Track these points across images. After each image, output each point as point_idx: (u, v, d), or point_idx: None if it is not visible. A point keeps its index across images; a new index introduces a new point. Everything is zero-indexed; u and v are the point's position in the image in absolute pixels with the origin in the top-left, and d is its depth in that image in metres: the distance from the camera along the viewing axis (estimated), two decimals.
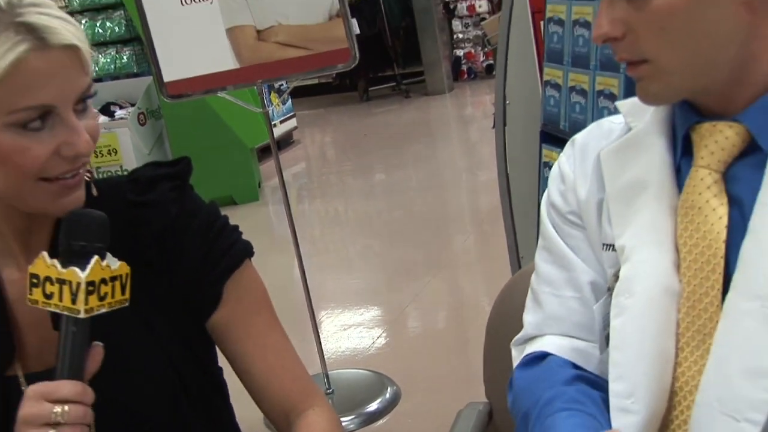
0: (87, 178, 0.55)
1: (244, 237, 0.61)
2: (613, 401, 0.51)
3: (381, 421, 1.60)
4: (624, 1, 0.47)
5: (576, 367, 0.56)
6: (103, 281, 0.49)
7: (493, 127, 1.49)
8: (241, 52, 1.54)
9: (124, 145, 3.26)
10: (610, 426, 0.50)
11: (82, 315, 0.48)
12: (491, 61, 5.19)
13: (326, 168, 4.13)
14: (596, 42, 0.49)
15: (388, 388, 1.69)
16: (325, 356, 1.71)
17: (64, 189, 0.52)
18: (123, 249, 0.52)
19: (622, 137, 0.55)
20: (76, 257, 0.49)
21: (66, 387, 0.47)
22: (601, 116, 0.71)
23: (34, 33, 0.48)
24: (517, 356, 0.60)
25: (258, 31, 1.53)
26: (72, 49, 0.49)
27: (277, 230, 3.04)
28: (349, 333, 2.05)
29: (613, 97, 1.10)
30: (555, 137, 1.28)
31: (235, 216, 0.62)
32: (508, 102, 1.43)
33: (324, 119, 5.20)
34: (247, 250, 0.61)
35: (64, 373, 0.48)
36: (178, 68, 1.56)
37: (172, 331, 0.58)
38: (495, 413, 0.74)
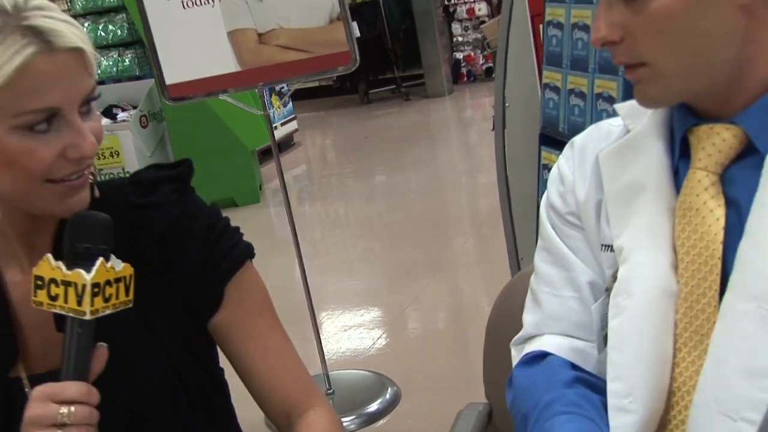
0: (90, 180, 0.55)
1: (245, 239, 0.62)
2: (611, 401, 0.51)
3: (381, 422, 1.60)
4: (622, 5, 0.48)
5: (575, 367, 0.56)
6: (108, 283, 0.49)
7: (493, 129, 1.51)
8: (243, 55, 1.55)
9: (126, 148, 3.27)
10: (608, 428, 0.50)
11: (87, 316, 0.49)
12: (491, 64, 5.19)
13: (327, 170, 4.14)
14: (595, 45, 0.50)
15: (389, 389, 1.70)
16: (326, 357, 1.72)
17: (69, 190, 0.52)
18: (125, 250, 0.52)
19: (620, 139, 0.55)
20: (80, 259, 0.49)
21: (72, 388, 0.48)
22: (599, 119, 0.71)
23: (40, 36, 0.48)
24: (516, 355, 0.60)
25: (259, 35, 1.54)
26: (77, 51, 0.50)
27: (278, 232, 3.04)
28: (349, 334, 2.06)
29: (611, 100, 1.11)
30: (554, 140, 1.29)
31: (236, 218, 0.62)
32: (507, 105, 1.43)
33: (324, 122, 5.21)
34: (248, 252, 0.61)
35: (69, 374, 0.49)
36: (180, 71, 1.57)
37: (172, 331, 0.58)
38: (495, 414, 0.74)
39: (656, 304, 0.50)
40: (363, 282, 2.47)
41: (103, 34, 3.62)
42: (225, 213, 0.61)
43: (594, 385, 0.55)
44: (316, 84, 5.36)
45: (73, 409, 0.47)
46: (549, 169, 0.75)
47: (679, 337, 0.49)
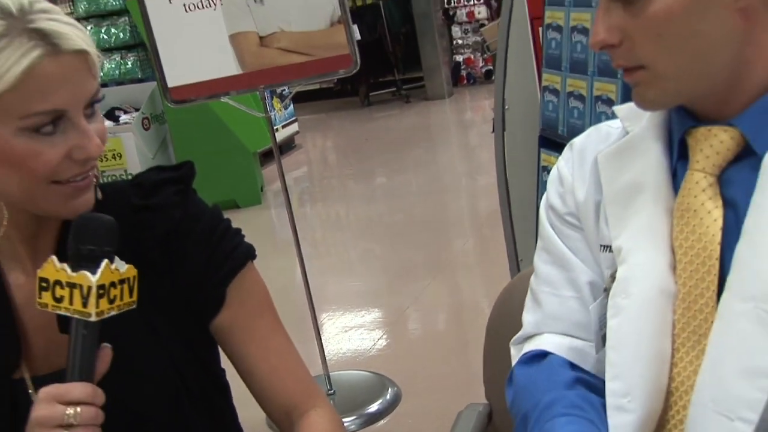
0: (93, 182, 0.55)
1: (246, 240, 0.62)
2: (609, 400, 0.51)
3: (382, 422, 1.61)
4: (620, 8, 0.48)
5: (574, 367, 0.56)
6: (113, 284, 0.50)
7: (493, 131, 1.52)
8: (244, 57, 1.56)
9: (129, 150, 3.28)
10: (608, 430, 0.50)
11: (93, 318, 0.49)
12: (490, 67, 5.20)
13: (328, 172, 4.15)
14: (593, 48, 0.50)
15: (389, 389, 1.70)
16: (327, 358, 1.72)
17: (75, 191, 0.53)
18: (127, 252, 0.53)
19: (619, 141, 0.56)
20: (85, 261, 0.50)
21: (77, 389, 0.48)
22: (598, 121, 0.72)
23: (46, 39, 0.49)
24: (516, 355, 0.61)
25: (261, 38, 1.55)
26: (82, 54, 0.50)
27: (279, 233, 3.05)
28: (350, 335, 2.06)
29: (610, 102, 1.12)
30: (553, 142, 1.29)
31: (237, 219, 0.63)
32: (507, 107, 1.44)
33: (325, 124, 5.22)
34: (249, 253, 0.61)
35: (74, 375, 0.49)
36: (182, 74, 1.58)
37: (174, 332, 0.59)
38: (494, 414, 0.74)
39: (654, 304, 0.50)
40: (363, 283, 2.47)
41: (105, 37, 3.64)
42: (226, 214, 0.62)
43: (594, 386, 0.55)
44: (317, 86, 5.37)
45: (79, 409, 0.47)
46: (548, 171, 0.75)
47: (677, 337, 0.50)
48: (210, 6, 1.55)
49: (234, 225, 0.62)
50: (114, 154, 3.26)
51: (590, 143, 0.59)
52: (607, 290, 0.54)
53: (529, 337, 0.60)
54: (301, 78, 1.62)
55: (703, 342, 0.48)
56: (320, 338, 1.71)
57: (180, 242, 0.58)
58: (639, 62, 0.48)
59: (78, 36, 0.50)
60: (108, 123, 3.31)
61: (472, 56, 5.46)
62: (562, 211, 0.59)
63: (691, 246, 0.50)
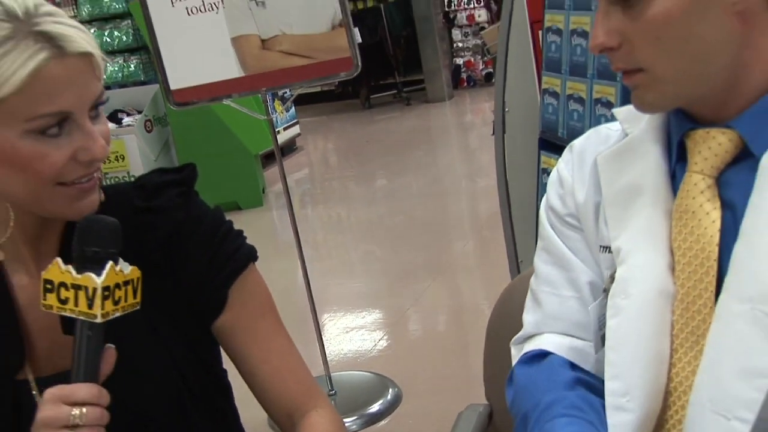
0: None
1: (248, 242, 0.62)
2: (608, 399, 0.51)
3: (382, 422, 1.61)
4: (620, 11, 0.48)
5: (574, 366, 0.57)
6: (117, 286, 0.50)
7: (493, 134, 1.51)
8: (246, 60, 1.57)
9: (132, 152, 3.30)
10: (607, 431, 0.51)
11: (98, 319, 0.49)
12: (490, 70, 5.22)
13: (329, 174, 4.16)
14: (593, 52, 0.51)
15: (390, 390, 1.71)
16: (328, 358, 1.73)
17: (80, 193, 0.53)
18: (130, 254, 0.53)
19: (618, 143, 0.56)
20: (90, 263, 0.50)
21: (83, 390, 0.49)
22: (598, 123, 0.72)
23: (52, 41, 0.49)
24: (516, 354, 0.61)
25: (262, 41, 1.56)
26: (87, 56, 0.50)
27: (280, 235, 3.06)
28: (351, 336, 2.07)
29: (610, 105, 1.12)
30: (553, 144, 1.30)
31: (239, 221, 0.63)
32: (507, 110, 1.44)
33: (326, 126, 5.23)
34: (251, 255, 0.61)
35: (80, 376, 0.50)
36: (185, 76, 1.59)
37: (176, 333, 0.59)
38: (495, 415, 0.75)
39: (653, 304, 0.50)
40: (364, 284, 2.48)
41: (108, 40, 3.66)
42: (228, 216, 0.62)
43: (594, 386, 0.55)
44: (318, 89, 5.39)
45: (84, 410, 0.48)
46: (548, 174, 0.76)
47: (676, 337, 0.50)
48: (212, 9, 1.56)
49: (236, 227, 0.63)
50: (117, 156, 3.28)
51: (590, 145, 0.59)
52: (606, 291, 0.54)
53: (529, 337, 0.60)
54: (302, 80, 1.62)
55: (702, 342, 0.48)
56: (321, 339, 1.72)
57: (182, 244, 0.58)
58: (638, 65, 0.49)
59: (83, 38, 0.51)
60: (111, 125, 3.31)
61: (472, 59, 5.48)
62: (562, 212, 0.59)
63: (690, 247, 0.50)
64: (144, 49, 3.64)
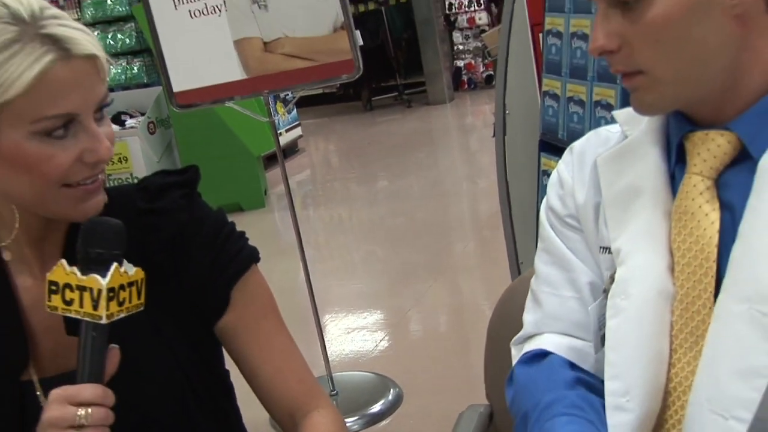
0: None
1: (250, 243, 0.62)
2: (608, 399, 0.52)
3: (384, 422, 1.62)
4: (619, 14, 0.48)
5: (574, 366, 0.57)
6: (122, 287, 0.50)
7: (493, 136, 1.51)
8: (249, 63, 1.58)
9: (135, 153, 3.31)
10: (607, 430, 0.51)
11: (103, 321, 0.50)
12: (491, 72, 5.24)
13: (330, 175, 4.17)
14: (592, 54, 0.51)
15: (391, 390, 1.71)
16: (330, 359, 1.74)
17: (85, 194, 0.53)
18: (133, 255, 0.53)
19: (618, 145, 0.56)
20: (94, 264, 0.50)
21: (88, 390, 0.49)
22: (598, 126, 0.72)
23: (57, 44, 0.49)
24: (516, 354, 0.61)
25: (265, 43, 1.57)
26: (93, 58, 0.51)
27: (282, 236, 3.07)
28: (352, 336, 2.08)
29: (609, 107, 1.12)
30: (553, 146, 1.31)
31: (241, 222, 0.63)
32: (507, 112, 1.45)
33: (328, 128, 5.25)
34: (253, 256, 0.62)
35: (84, 377, 0.50)
36: (187, 79, 1.60)
37: (179, 334, 0.59)
38: (495, 415, 0.75)
39: (653, 305, 0.51)
40: (366, 285, 2.49)
41: (112, 42, 3.68)
42: (231, 218, 0.62)
43: (593, 386, 0.56)
44: (320, 91, 5.42)
45: (90, 410, 0.48)
46: (548, 175, 0.76)
47: (676, 338, 0.50)
48: (215, 12, 1.57)
49: (238, 228, 0.63)
50: (120, 158, 3.29)
51: (590, 147, 0.59)
52: (606, 291, 0.54)
53: (529, 337, 0.61)
54: (304, 83, 1.63)
55: (701, 343, 0.49)
56: (323, 339, 1.72)
57: (185, 245, 0.59)
58: (637, 67, 0.49)
59: (88, 41, 0.51)
60: (114, 127, 3.28)
61: (472, 61, 5.50)
62: (563, 213, 0.59)
63: (689, 248, 0.50)
64: (147, 51, 3.66)
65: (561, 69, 1.27)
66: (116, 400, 0.50)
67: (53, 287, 0.51)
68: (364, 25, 5.00)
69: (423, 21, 5.14)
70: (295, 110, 4.38)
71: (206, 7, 1.57)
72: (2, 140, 0.49)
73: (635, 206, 0.53)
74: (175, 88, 1.62)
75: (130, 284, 0.51)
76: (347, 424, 1.51)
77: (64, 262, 0.51)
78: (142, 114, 3.45)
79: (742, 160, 0.49)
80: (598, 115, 1.17)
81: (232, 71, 1.58)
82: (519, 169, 1.47)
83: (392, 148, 4.30)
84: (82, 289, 0.50)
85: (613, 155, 0.56)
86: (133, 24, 3.69)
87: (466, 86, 5.53)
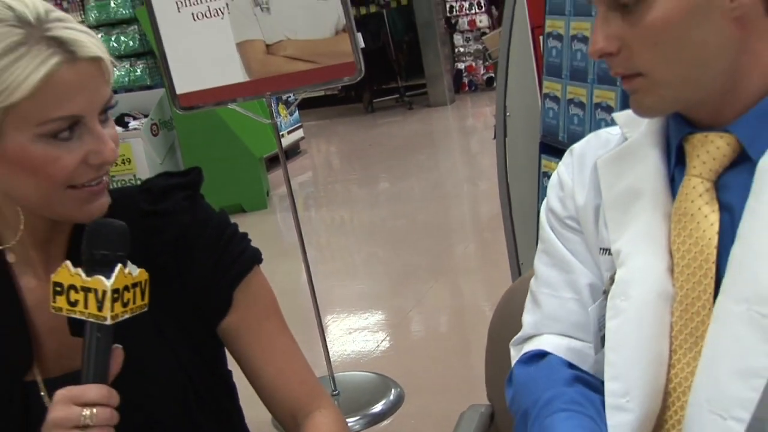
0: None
1: (252, 244, 0.62)
2: (608, 400, 0.52)
3: (385, 422, 1.62)
4: (619, 17, 0.48)
5: (572, 366, 0.57)
6: (126, 288, 0.51)
7: (494, 137, 1.52)
8: (251, 65, 1.59)
9: (138, 155, 3.33)
10: (607, 429, 0.51)
11: (108, 322, 0.50)
12: (491, 74, 5.25)
13: (332, 177, 4.19)
14: (592, 57, 0.51)
15: (392, 390, 1.72)
16: (331, 359, 1.74)
17: (90, 196, 0.53)
18: (136, 257, 0.53)
19: (618, 147, 0.57)
20: (99, 266, 0.51)
21: (93, 391, 0.49)
22: (598, 128, 0.71)
23: (63, 46, 0.49)
24: (515, 355, 0.62)
25: (267, 46, 1.58)
26: (97, 60, 0.51)
27: (284, 237, 3.08)
28: (354, 337, 2.09)
29: (610, 110, 1.13)
30: (554, 148, 1.31)
31: (244, 223, 0.64)
32: (508, 114, 1.45)
33: (330, 130, 5.27)
34: (256, 257, 0.62)
35: (89, 377, 0.50)
36: (190, 81, 1.62)
37: (182, 335, 0.59)
38: (496, 415, 0.75)
39: (653, 306, 0.51)
40: (367, 286, 2.49)
41: (115, 45, 3.71)
42: (233, 219, 0.63)
43: (592, 384, 0.56)
44: (322, 93, 5.44)
45: (95, 410, 0.48)
46: (549, 177, 0.76)
47: (675, 339, 0.51)
48: (218, 15, 1.58)
49: (240, 229, 0.63)
50: (123, 160, 3.31)
51: (590, 149, 0.60)
52: (606, 292, 0.55)
53: (528, 338, 0.61)
54: (306, 85, 1.64)
55: (700, 344, 0.49)
56: (325, 340, 1.73)
57: (188, 247, 0.59)
58: (637, 70, 0.49)
59: (93, 43, 0.51)
60: (117, 129, 3.29)
61: (473, 64, 5.52)
62: (563, 215, 0.60)
63: (689, 249, 0.50)
64: (150, 54, 3.69)
65: (561, 71, 1.27)
66: (120, 401, 0.51)
67: (58, 288, 0.51)
68: (366, 27, 5.02)
69: (424, 24, 5.16)
70: (297, 112, 4.40)
71: (209, 10, 1.59)
72: (8, 143, 0.50)
73: (635, 208, 0.54)
74: (178, 90, 1.63)
75: (134, 285, 0.52)
76: (349, 424, 1.51)
77: (68, 263, 0.51)
78: (145, 116, 3.47)
79: (741, 162, 0.50)
80: (598, 117, 1.17)
81: (234, 73, 1.59)
82: (520, 171, 1.47)
83: (393, 150, 4.31)
84: (86, 290, 0.50)
85: (613, 157, 0.56)
86: (136, 26, 3.71)
87: (466, 88, 5.55)
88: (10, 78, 0.48)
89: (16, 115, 0.49)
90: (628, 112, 0.55)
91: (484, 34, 5.17)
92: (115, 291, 0.50)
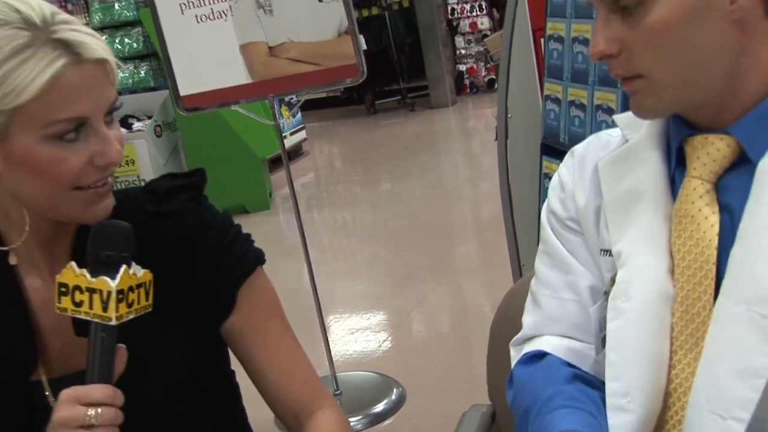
0: None
1: (255, 245, 0.62)
2: (609, 400, 0.52)
3: (387, 422, 1.63)
4: (619, 20, 0.49)
5: (571, 366, 0.58)
6: (131, 289, 0.51)
7: (496, 139, 1.52)
8: (254, 67, 1.60)
9: (142, 156, 3.34)
10: (607, 424, 0.52)
11: (113, 322, 0.50)
12: (492, 76, 5.24)
13: (334, 178, 4.20)
14: (593, 59, 0.52)
15: (394, 390, 1.73)
16: (334, 359, 1.75)
17: (95, 197, 0.54)
18: (140, 258, 0.53)
19: (619, 149, 0.57)
20: (103, 266, 0.51)
21: (98, 390, 0.50)
22: (599, 129, 0.71)
23: (69, 48, 0.50)
24: (515, 356, 0.62)
25: (270, 48, 1.59)
26: (103, 62, 0.51)
27: (287, 238, 3.09)
28: (356, 337, 2.09)
29: (610, 111, 1.13)
30: (555, 149, 1.32)
31: (247, 224, 0.64)
32: (510, 115, 1.46)
33: (332, 131, 5.28)
34: (259, 258, 0.62)
35: (94, 377, 0.50)
36: (194, 83, 1.62)
37: (186, 335, 0.59)
38: (498, 415, 0.75)
39: (653, 307, 0.51)
40: (369, 286, 2.50)
41: (119, 47, 3.72)
42: (236, 220, 0.63)
43: (591, 382, 0.56)
44: (324, 95, 5.44)
45: (99, 410, 0.49)
46: (550, 178, 0.75)
47: (676, 339, 0.51)
48: (221, 17, 1.59)
49: (243, 230, 0.63)
50: (127, 161, 3.32)
51: (591, 151, 0.60)
52: (607, 293, 0.55)
53: (528, 339, 0.61)
54: (309, 87, 1.65)
55: (701, 344, 0.49)
56: (327, 340, 1.74)
57: (192, 248, 0.59)
58: (637, 72, 0.49)
59: (98, 45, 0.51)
60: (121, 130, 3.33)
61: (474, 66, 5.53)
62: (563, 216, 0.60)
63: (689, 251, 0.51)
64: (154, 55, 3.70)
65: (562, 73, 1.28)
66: (125, 401, 0.51)
67: (63, 289, 0.51)
68: (368, 29, 5.04)
69: (426, 26, 5.17)
70: (299, 114, 4.40)
71: (212, 12, 1.60)
72: (14, 144, 0.50)
73: (636, 210, 0.54)
74: (182, 92, 1.64)
75: (139, 286, 0.52)
76: (351, 424, 1.51)
77: (73, 264, 0.52)
78: (149, 117, 3.48)
79: (741, 164, 0.50)
80: (599, 119, 1.17)
81: (237, 75, 1.60)
82: (521, 172, 1.48)
83: (395, 151, 4.32)
84: (91, 291, 0.50)
85: (613, 159, 0.57)
86: (140, 29, 3.72)
87: (468, 90, 5.55)
88: (16, 80, 0.49)
89: (22, 117, 0.50)
90: (629, 114, 0.55)
91: (485, 36, 5.18)
92: (119, 292, 0.50)
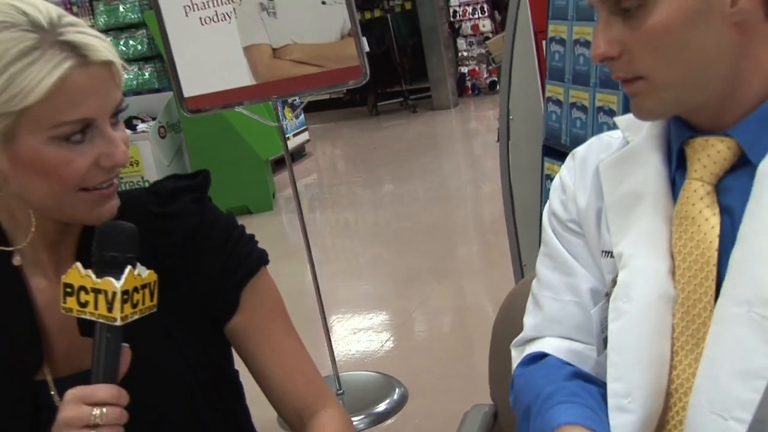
0: None
1: (259, 246, 0.63)
2: (611, 400, 0.53)
3: (389, 421, 1.64)
4: (620, 22, 0.49)
5: (571, 365, 0.58)
6: (135, 289, 0.51)
7: (498, 141, 1.53)
8: (258, 69, 1.61)
9: (146, 157, 3.36)
10: (608, 418, 0.52)
11: (118, 323, 0.50)
12: (494, 78, 5.26)
13: (337, 179, 4.21)
14: (594, 61, 0.52)
15: (396, 390, 1.73)
16: (336, 359, 1.76)
17: (101, 198, 0.54)
18: (145, 259, 0.53)
19: (620, 151, 0.57)
20: (108, 267, 0.51)
21: (103, 390, 0.50)
22: (600, 131, 0.72)
23: (75, 51, 0.50)
24: (516, 357, 0.62)
25: (273, 50, 1.59)
26: (109, 64, 0.52)
27: (290, 239, 3.10)
28: (358, 337, 2.10)
29: (612, 113, 1.14)
30: (557, 151, 1.32)
31: (250, 225, 0.65)
32: (511, 117, 1.46)
33: (335, 133, 5.30)
34: (262, 258, 0.62)
35: (99, 377, 0.51)
36: (198, 84, 1.63)
37: (190, 336, 0.60)
38: (500, 415, 0.75)
39: (654, 308, 0.52)
40: (372, 287, 2.51)
41: (124, 48, 3.75)
42: (239, 220, 0.63)
43: (591, 379, 0.57)
44: (327, 96, 5.47)
45: (104, 410, 0.49)
46: (551, 180, 0.75)
47: (677, 340, 0.51)
48: (225, 19, 1.60)
49: (247, 231, 0.63)
50: (131, 162, 3.33)
51: (592, 152, 0.60)
52: (608, 294, 0.55)
53: (529, 341, 0.62)
54: (312, 88, 1.65)
55: (701, 345, 0.49)
56: (330, 340, 1.74)
57: (197, 249, 0.59)
58: (638, 73, 0.49)
59: (105, 47, 0.52)
60: (126, 131, 3.34)
61: (476, 68, 5.54)
62: (565, 218, 0.60)
63: (690, 252, 0.51)
64: (158, 57, 3.71)
65: (564, 75, 1.28)
66: (129, 401, 0.51)
67: (68, 289, 0.52)
68: (370, 31, 5.07)
69: (428, 28, 5.18)
70: (302, 115, 4.42)
71: (216, 15, 1.61)
72: (21, 146, 0.51)
73: (637, 211, 0.54)
74: (186, 94, 1.65)
75: (144, 286, 0.53)
76: (353, 423, 1.53)
77: (79, 265, 0.52)
78: (153, 119, 3.50)
79: (742, 166, 0.50)
80: (600, 120, 1.18)
81: (241, 77, 1.61)
82: (522, 174, 1.48)
83: (397, 152, 4.33)
84: (97, 291, 0.51)
85: (614, 161, 0.57)
86: (144, 31, 3.74)
87: (470, 92, 5.57)
88: (23, 82, 0.49)
89: (29, 119, 0.50)
90: (630, 116, 0.55)
91: (487, 38, 5.18)
92: (124, 292, 0.51)
